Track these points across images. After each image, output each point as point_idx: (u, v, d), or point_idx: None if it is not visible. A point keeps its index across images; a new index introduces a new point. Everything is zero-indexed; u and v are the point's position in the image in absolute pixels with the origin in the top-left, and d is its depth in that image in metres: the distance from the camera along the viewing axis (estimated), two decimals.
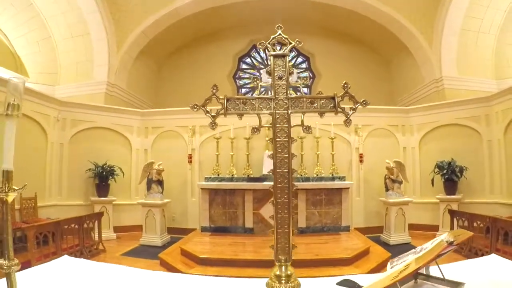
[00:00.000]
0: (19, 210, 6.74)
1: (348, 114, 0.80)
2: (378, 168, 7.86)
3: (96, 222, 6.80)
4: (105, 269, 1.95)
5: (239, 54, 12.17)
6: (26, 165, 6.70)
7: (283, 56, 0.83)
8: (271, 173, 0.85)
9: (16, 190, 1.06)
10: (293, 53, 12.14)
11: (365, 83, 11.27)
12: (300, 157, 7.90)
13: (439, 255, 1.36)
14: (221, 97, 0.83)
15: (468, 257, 5.31)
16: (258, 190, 7.30)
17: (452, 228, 6.73)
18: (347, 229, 7.40)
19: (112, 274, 1.90)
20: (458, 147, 8.01)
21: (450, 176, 7.60)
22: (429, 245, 1.44)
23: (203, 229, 7.48)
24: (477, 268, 2.05)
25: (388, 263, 1.62)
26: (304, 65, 12.19)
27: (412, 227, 7.63)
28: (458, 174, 7.62)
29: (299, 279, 1.27)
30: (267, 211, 7.19)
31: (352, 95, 0.84)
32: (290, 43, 0.83)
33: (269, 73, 0.81)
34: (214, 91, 0.82)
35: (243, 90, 12.24)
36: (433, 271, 1.75)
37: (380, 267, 5.05)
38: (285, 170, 0.81)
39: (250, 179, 7.64)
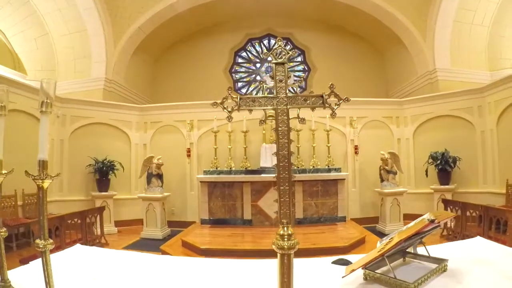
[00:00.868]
0: (21, 206, 6.83)
1: (334, 108, 1.00)
2: (373, 160, 8.01)
3: (98, 217, 6.91)
4: (116, 255, 2.09)
5: (235, 48, 12.24)
6: (28, 162, 6.76)
7: (282, 64, 1.08)
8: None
9: (52, 177, 1.20)
10: (288, 46, 12.21)
11: (359, 75, 11.43)
12: (297, 149, 8.05)
13: (423, 233, 1.50)
14: (234, 96, 1.02)
15: None
16: (256, 182, 7.46)
17: None
18: (343, 219, 7.57)
19: (124, 259, 2.04)
20: (451, 138, 8.16)
21: (444, 166, 7.77)
22: (412, 223, 1.59)
23: (203, 222, 7.63)
24: (462, 249, 2.20)
25: (378, 242, 1.76)
26: (299, 59, 12.28)
27: (407, 217, 7.76)
28: (452, 164, 7.78)
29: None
30: (265, 203, 7.35)
31: (337, 93, 1.04)
32: (288, 53, 1.05)
33: (271, 77, 1.01)
34: (229, 92, 1.03)
35: (239, 84, 12.33)
36: (422, 252, 1.90)
37: None
38: (286, 153, 1.01)
39: (248, 172, 7.78)
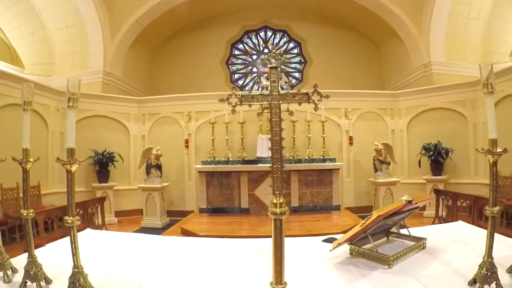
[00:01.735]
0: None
1: (316, 103, 1.30)
2: (367, 150, 8.17)
3: (99, 207, 7.05)
4: (124, 237, 2.25)
5: (231, 40, 12.32)
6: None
7: (276, 67, 1.32)
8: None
9: (80, 162, 1.38)
10: (285, 39, 12.35)
11: (355, 68, 11.57)
12: (293, 140, 8.20)
13: (402, 213, 1.67)
14: (237, 93, 1.25)
15: None
16: (253, 172, 7.63)
17: (437, 206, 7.10)
18: (338, 208, 7.76)
19: (131, 240, 2.20)
20: (444, 130, 8.32)
21: (436, 157, 7.96)
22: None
23: (201, 211, 7.81)
24: (444, 231, 2.39)
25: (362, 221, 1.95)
26: (295, 51, 12.38)
27: None
28: (444, 155, 7.97)
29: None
30: (262, 192, 7.53)
31: (319, 91, 1.25)
32: (280, 58, 1.25)
33: (267, 78, 1.22)
34: (233, 90, 1.29)
35: (236, 76, 12.44)
36: (405, 233, 2.08)
37: None
38: (278, 138, 1.22)
39: (245, 162, 7.95)
